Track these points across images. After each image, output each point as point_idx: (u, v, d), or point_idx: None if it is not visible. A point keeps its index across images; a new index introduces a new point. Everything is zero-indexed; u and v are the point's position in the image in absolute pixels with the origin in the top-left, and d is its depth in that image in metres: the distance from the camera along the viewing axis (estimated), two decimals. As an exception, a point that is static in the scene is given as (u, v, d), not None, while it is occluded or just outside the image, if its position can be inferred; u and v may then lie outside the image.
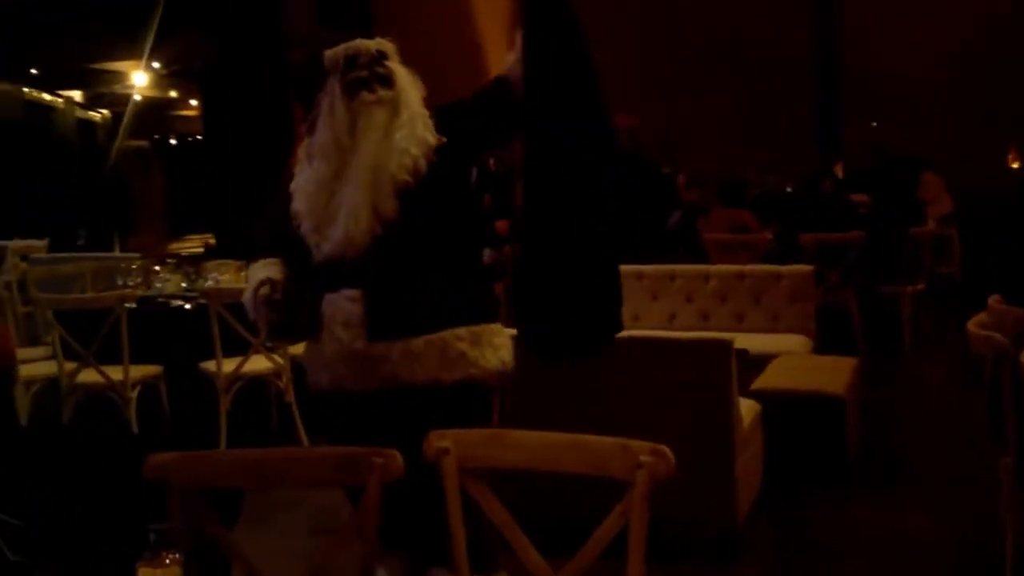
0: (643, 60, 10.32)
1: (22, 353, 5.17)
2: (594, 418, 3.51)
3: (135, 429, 4.77)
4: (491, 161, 9.66)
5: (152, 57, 11.88)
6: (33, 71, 12.49)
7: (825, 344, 5.79)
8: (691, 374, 3.51)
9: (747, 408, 3.90)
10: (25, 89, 12.49)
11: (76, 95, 13.69)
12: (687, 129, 10.14)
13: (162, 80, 13.08)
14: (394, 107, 2.58)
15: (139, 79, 12.50)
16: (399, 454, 1.92)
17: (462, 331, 2.56)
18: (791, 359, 4.84)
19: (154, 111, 14.15)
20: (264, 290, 2.64)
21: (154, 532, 1.59)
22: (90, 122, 14.15)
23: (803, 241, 6.79)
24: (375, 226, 2.51)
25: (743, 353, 4.77)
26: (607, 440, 1.96)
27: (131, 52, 11.90)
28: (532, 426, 3.47)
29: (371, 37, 2.72)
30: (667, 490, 3.39)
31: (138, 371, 4.75)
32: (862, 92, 10.06)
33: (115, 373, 4.72)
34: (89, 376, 4.80)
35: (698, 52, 10.25)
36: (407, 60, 2.83)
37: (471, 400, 2.59)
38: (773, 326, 5.53)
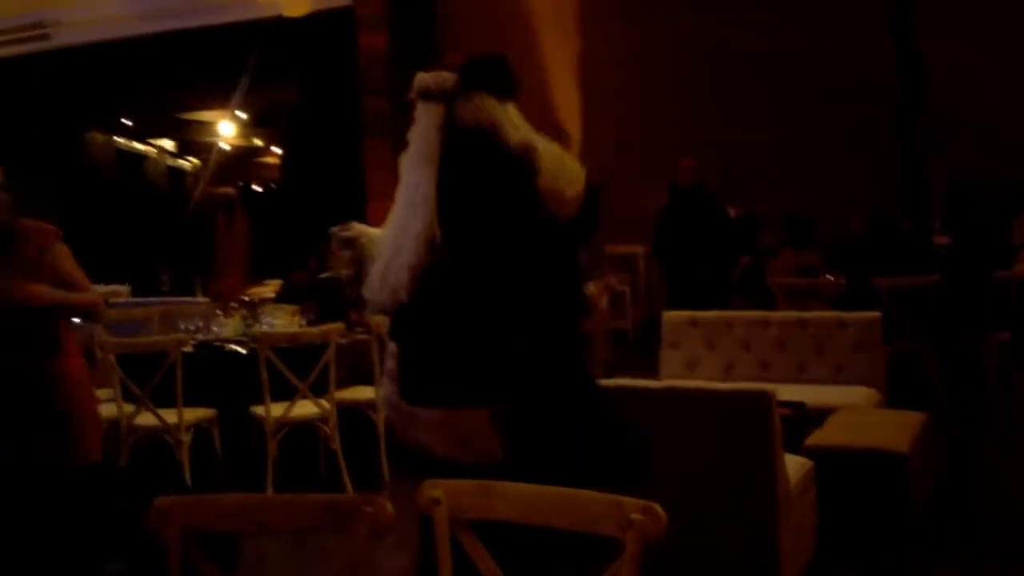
0: (708, 95, 10.21)
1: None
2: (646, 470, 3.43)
3: (187, 472, 4.83)
4: None
5: (239, 107, 12.27)
6: (125, 121, 13.00)
7: (897, 397, 5.48)
8: (729, 428, 3.39)
9: (797, 465, 3.75)
10: (117, 138, 13.00)
11: (167, 144, 14.18)
12: (758, 167, 9.94)
13: (247, 129, 13.46)
14: None
15: (226, 128, 12.89)
16: (389, 504, 1.89)
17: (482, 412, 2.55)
18: (852, 413, 4.64)
19: (240, 159, 14.55)
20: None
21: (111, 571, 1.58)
22: (180, 170, 14.63)
23: (876, 285, 6.53)
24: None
25: (800, 406, 4.65)
26: (598, 496, 1.90)
27: (219, 102, 12.33)
28: None
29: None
30: (705, 552, 3.31)
31: (192, 414, 4.81)
32: (947, 127, 9.76)
33: (171, 416, 4.81)
34: (146, 419, 4.89)
35: (768, 86, 10.08)
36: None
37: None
38: (837, 377, 5.32)
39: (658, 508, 1.83)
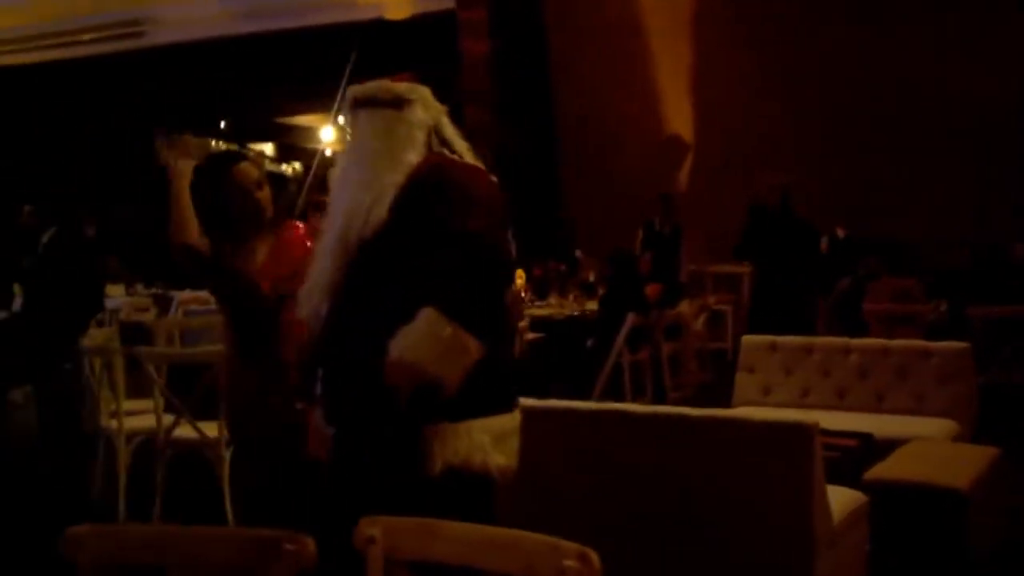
0: (818, 115, 9.82)
1: (127, 405, 5.22)
2: (667, 499, 3.25)
3: (226, 485, 4.77)
4: (657, 220, 9.41)
5: (340, 112, 12.37)
6: (222, 124, 13.20)
7: (987, 431, 5.15)
8: (767, 460, 3.17)
9: (847, 500, 3.49)
10: (214, 142, 13.27)
11: (267, 148, 14.38)
12: (869, 190, 9.51)
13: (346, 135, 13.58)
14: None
15: (327, 134, 13.00)
16: (312, 542, 1.77)
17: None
18: (922, 445, 4.32)
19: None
20: None
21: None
22: (281, 176, 14.84)
23: (970, 315, 6.13)
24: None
25: (867, 437, 4.37)
26: (538, 538, 1.76)
27: (320, 107, 12.35)
28: (606, 502, 3.26)
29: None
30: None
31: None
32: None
33: (212, 430, 4.71)
34: (186, 431, 4.80)
35: (880, 111, 9.63)
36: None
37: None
38: (918, 408, 5.00)
39: (593, 556, 1.68)
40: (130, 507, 5.03)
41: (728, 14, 10.33)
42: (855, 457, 4.12)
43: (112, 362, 5.11)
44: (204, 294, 9.22)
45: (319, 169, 13.21)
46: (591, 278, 9.48)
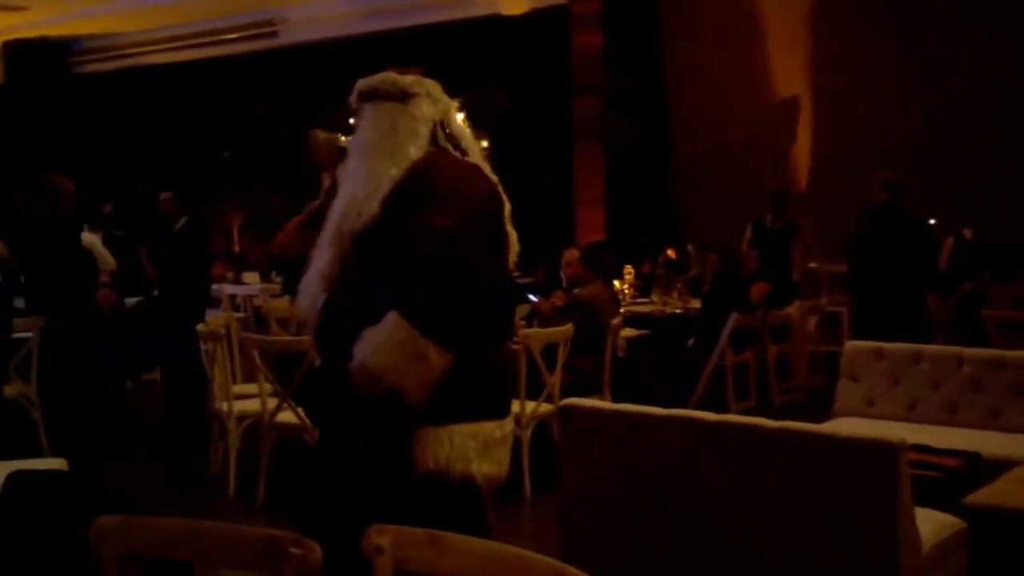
0: (940, 112, 9.30)
1: (238, 389, 5.45)
2: (730, 517, 3.05)
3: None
4: (768, 217, 9.09)
5: (459, 106, 12.46)
6: (351, 121, 13.56)
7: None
8: (847, 480, 2.93)
9: (941, 526, 3.23)
10: (342, 137, 13.54)
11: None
12: (996, 190, 8.96)
13: (471, 129, 13.68)
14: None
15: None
16: (319, 548, 1.70)
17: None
18: (1035, 469, 3.97)
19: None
20: None
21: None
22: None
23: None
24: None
25: (974, 457, 4.05)
26: (545, 562, 1.62)
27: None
28: (663, 516, 3.08)
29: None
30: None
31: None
32: None
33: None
34: (288, 416, 4.92)
35: (1007, 109, 9.06)
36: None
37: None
38: (1036, 426, 4.62)
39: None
40: (241, 486, 5.20)
41: (847, 10, 9.92)
42: (958, 478, 3.82)
43: (222, 347, 5.25)
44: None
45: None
46: (697, 272, 9.25)
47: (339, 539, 1.90)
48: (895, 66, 9.54)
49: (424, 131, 2.47)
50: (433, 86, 2.56)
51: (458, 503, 2.39)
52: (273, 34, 11.59)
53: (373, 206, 2.38)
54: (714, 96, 10.58)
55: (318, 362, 2.61)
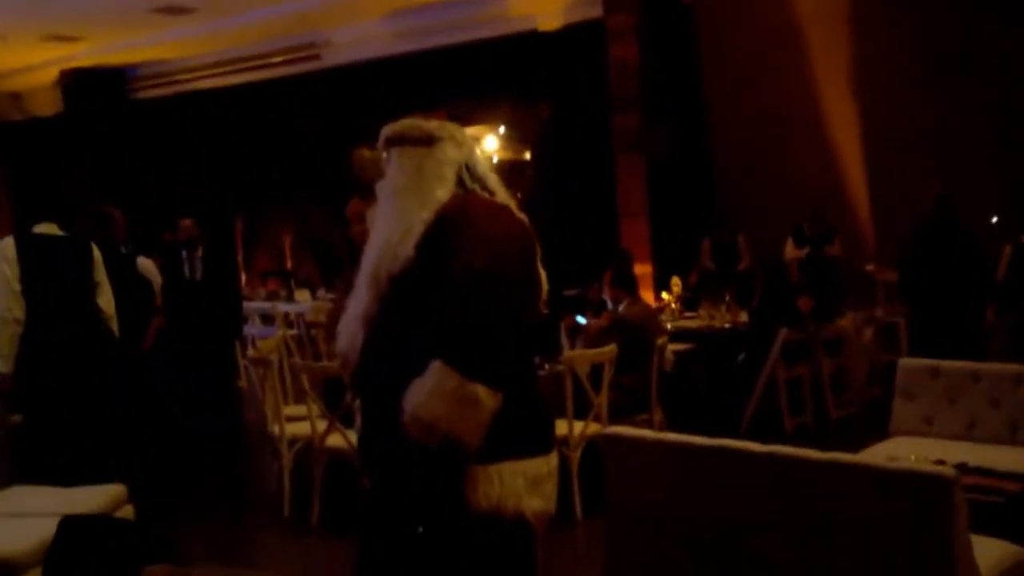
0: (996, 112, 9.10)
1: (289, 410, 5.51)
2: (778, 550, 3.00)
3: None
4: (805, 225, 9.07)
5: (502, 122, 12.48)
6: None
7: None
8: (899, 513, 2.86)
9: (1002, 556, 3.16)
10: (384, 154, 13.66)
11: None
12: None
13: (513, 143, 13.69)
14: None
15: (489, 143, 13.17)
16: None
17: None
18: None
19: (513, 171, 14.86)
20: None
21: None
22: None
23: None
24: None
25: (1035, 481, 3.93)
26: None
27: (483, 117, 12.56)
28: (726, 546, 3.04)
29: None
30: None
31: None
32: None
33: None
34: (336, 440, 4.97)
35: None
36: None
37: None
38: (1108, 446, 4.49)
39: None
40: (294, 506, 5.32)
41: (887, 11, 9.75)
42: (1019, 504, 3.72)
43: (272, 371, 5.33)
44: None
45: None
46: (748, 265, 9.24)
47: None
48: (940, 65, 9.35)
49: (450, 174, 2.49)
50: (457, 130, 2.59)
51: (510, 541, 2.39)
52: (316, 56, 11.72)
53: (408, 249, 2.39)
54: (755, 103, 10.48)
55: (356, 403, 2.64)
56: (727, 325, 7.72)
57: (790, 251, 9.22)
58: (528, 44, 10.75)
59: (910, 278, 6.58)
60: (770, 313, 7.22)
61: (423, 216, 2.41)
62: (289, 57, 11.72)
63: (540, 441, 2.50)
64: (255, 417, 7.82)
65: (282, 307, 10.80)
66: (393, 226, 2.43)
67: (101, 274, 5.20)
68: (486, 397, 2.25)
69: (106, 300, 5.21)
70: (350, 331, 2.50)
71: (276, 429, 5.37)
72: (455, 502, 2.33)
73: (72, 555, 2.93)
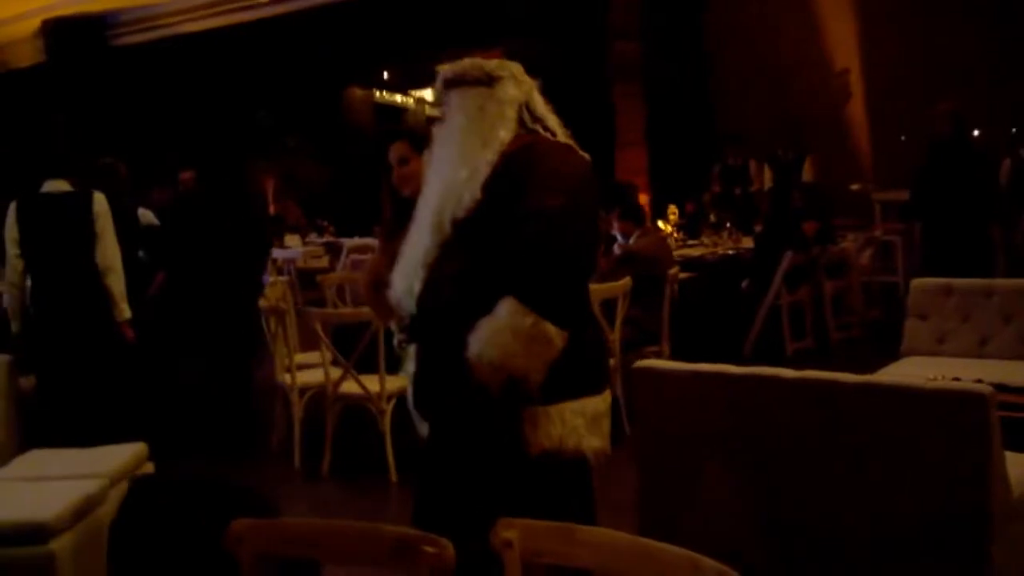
0: (999, 37, 9.08)
1: (298, 358, 5.47)
2: (817, 474, 3.07)
3: (388, 441, 4.92)
4: (779, 151, 9.12)
5: (496, 54, 12.37)
6: (385, 75, 13.48)
7: None
8: (933, 432, 2.93)
9: (1033, 470, 3.22)
10: (377, 92, 13.49)
11: (427, 94, 14.60)
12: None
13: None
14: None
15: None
16: (451, 546, 1.75)
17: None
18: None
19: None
20: None
21: None
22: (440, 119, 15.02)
23: None
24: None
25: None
26: (678, 552, 1.66)
27: (478, 50, 12.45)
28: (759, 474, 3.11)
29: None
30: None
31: (394, 383, 4.86)
32: None
33: (374, 384, 4.88)
34: (350, 387, 4.98)
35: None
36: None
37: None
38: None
39: (733, 575, 1.56)
40: (304, 456, 5.28)
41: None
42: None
43: (284, 320, 5.28)
44: (372, 241, 9.44)
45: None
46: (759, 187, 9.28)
47: (463, 532, 1.94)
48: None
49: (512, 113, 2.47)
50: (517, 68, 2.56)
51: (571, 480, 2.44)
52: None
53: (475, 190, 2.37)
54: (756, 31, 10.43)
55: (411, 347, 2.61)
56: (730, 251, 7.76)
57: (767, 177, 9.28)
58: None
59: (923, 196, 6.59)
60: (776, 237, 7.26)
61: (488, 157, 2.40)
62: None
63: (596, 379, 2.52)
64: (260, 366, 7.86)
65: (273, 253, 10.70)
66: (457, 168, 2.41)
67: (102, 225, 5.10)
68: (556, 336, 2.27)
69: (105, 253, 5.09)
70: (407, 276, 2.48)
71: (288, 378, 5.33)
72: (516, 443, 2.36)
73: (148, 517, 2.95)
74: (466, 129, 2.44)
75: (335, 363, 5.01)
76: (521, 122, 2.48)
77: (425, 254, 2.43)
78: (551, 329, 2.26)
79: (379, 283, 2.81)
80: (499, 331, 2.24)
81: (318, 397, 5.21)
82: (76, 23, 12.67)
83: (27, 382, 5.00)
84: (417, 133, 2.99)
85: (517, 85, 2.50)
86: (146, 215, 6.64)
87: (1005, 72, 9.05)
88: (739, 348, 7.18)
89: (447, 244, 2.41)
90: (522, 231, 2.27)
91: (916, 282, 5.27)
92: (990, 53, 9.11)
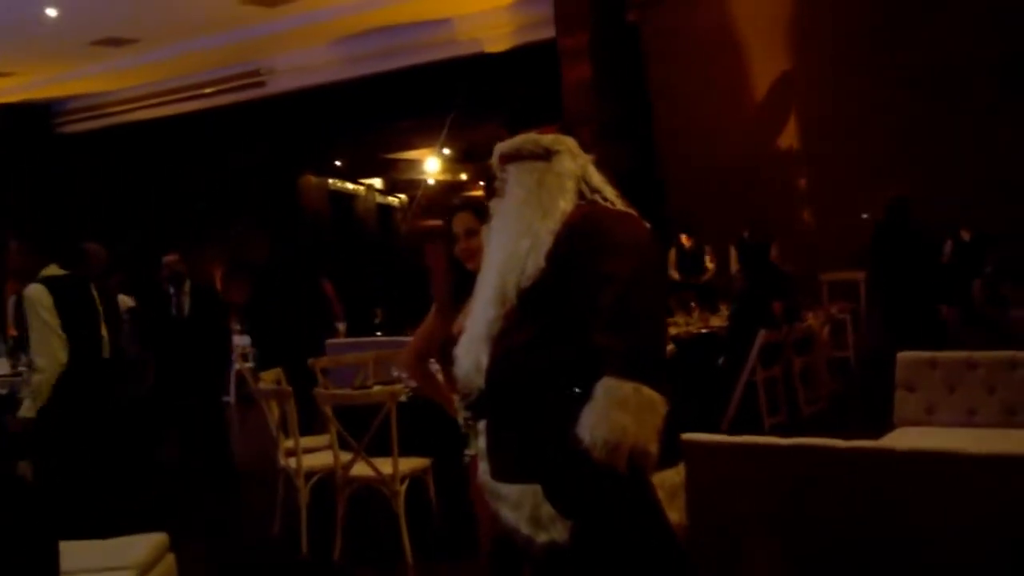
0: (924, 115, 9.56)
1: (304, 442, 5.40)
2: (865, 540, 3.15)
3: (403, 523, 4.87)
4: (745, 234, 9.43)
5: (444, 144, 12.58)
6: (337, 163, 13.61)
7: None
8: (985, 496, 3.05)
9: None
10: (330, 180, 13.60)
11: (376, 182, 14.78)
12: (992, 184, 9.22)
13: (453, 164, 13.80)
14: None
15: (432, 164, 13.27)
16: None
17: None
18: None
19: (446, 192, 14.98)
20: None
21: None
22: (388, 207, 15.17)
23: None
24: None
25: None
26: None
27: (425, 141, 12.66)
28: (798, 544, 3.16)
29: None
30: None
31: (407, 464, 4.82)
32: None
33: (386, 467, 4.84)
34: (361, 469, 4.93)
35: (985, 102, 9.35)
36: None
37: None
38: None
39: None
40: (311, 542, 5.17)
41: (825, 25, 10.19)
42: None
43: (287, 404, 5.22)
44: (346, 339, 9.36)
45: (422, 198, 13.43)
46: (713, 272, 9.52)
47: None
48: (877, 74, 9.81)
49: (571, 185, 2.50)
50: (571, 143, 2.58)
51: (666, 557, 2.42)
52: (260, 84, 11.61)
53: (538, 259, 2.38)
54: (700, 118, 10.79)
55: (478, 425, 2.57)
56: (703, 330, 7.92)
57: (734, 260, 9.59)
58: (477, 66, 10.84)
59: (876, 278, 6.97)
60: (749, 317, 7.46)
61: (549, 227, 2.41)
62: (232, 84, 11.56)
63: (671, 452, 2.54)
64: (245, 452, 7.72)
65: (236, 340, 10.53)
66: (518, 239, 2.42)
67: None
68: (658, 399, 2.24)
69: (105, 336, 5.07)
70: (472, 351, 2.47)
71: (292, 463, 5.25)
72: (653, 513, 2.33)
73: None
74: (526, 201, 2.47)
75: (343, 446, 4.95)
76: (580, 193, 2.50)
77: (489, 326, 2.43)
78: (651, 393, 2.23)
79: (426, 354, 2.79)
80: (607, 408, 2.22)
81: (323, 481, 5.14)
82: (21, 110, 12.53)
83: (24, 467, 4.82)
84: (481, 205, 3.00)
85: (573, 158, 2.54)
86: (124, 300, 6.56)
87: (943, 155, 9.49)
88: (716, 424, 7.29)
89: (511, 315, 2.40)
90: (598, 298, 2.26)
91: (902, 355, 5.44)
92: (937, 142, 9.55)
